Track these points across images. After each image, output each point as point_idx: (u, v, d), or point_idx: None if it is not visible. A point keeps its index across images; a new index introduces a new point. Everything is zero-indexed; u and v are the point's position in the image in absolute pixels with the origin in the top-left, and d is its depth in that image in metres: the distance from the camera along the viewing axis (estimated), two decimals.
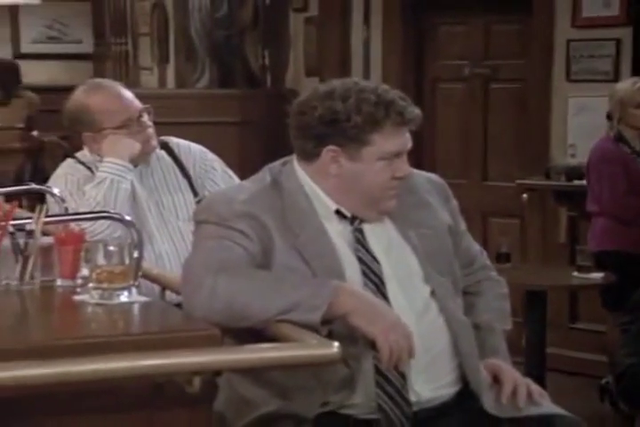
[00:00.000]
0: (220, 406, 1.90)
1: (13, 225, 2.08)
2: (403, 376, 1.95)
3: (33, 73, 7.42)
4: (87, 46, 8.11)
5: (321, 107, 2.02)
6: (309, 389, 1.93)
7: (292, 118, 2.10)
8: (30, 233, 2.08)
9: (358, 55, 5.81)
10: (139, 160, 2.87)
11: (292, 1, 6.38)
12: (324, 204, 2.07)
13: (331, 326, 1.89)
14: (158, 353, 1.60)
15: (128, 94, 2.94)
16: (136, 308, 1.92)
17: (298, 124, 2.07)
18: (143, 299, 1.98)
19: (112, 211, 2.54)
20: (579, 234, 4.73)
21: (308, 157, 2.07)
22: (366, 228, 2.08)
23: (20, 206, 2.35)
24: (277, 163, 2.14)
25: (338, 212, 2.08)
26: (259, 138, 6.29)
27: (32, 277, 2.06)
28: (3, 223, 2.04)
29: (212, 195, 2.56)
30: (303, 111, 2.06)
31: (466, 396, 2.03)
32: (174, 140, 3.01)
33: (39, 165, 6.77)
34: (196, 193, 2.92)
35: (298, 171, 2.09)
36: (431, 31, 5.54)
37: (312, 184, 2.08)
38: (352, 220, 2.08)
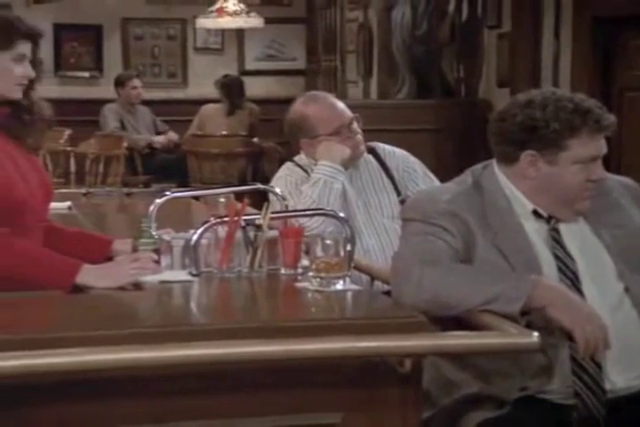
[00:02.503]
0: (425, 384, 1.89)
1: (244, 220, 2.14)
2: (598, 366, 1.88)
3: (254, 87, 7.64)
4: (300, 63, 8.26)
5: (521, 114, 1.99)
6: (508, 374, 1.89)
7: (493, 125, 2.07)
8: (259, 227, 2.13)
9: (548, 67, 5.66)
10: (349, 163, 2.90)
11: (486, 19, 6.30)
12: (522, 204, 2.03)
13: (529, 317, 1.85)
14: (373, 336, 1.61)
15: (340, 104, 2.98)
16: (350, 295, 1.93)
17: (499, 130, 2.04)
18: (356, 287, 1.99)
19: (326, 208, 2.58)
20: None
21: (508, 160, 2.04)
22: (562, 227, 2.03)
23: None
24: (479, 166, 2.11)
25: (535, 212, 2.03)
26: (452, 144, 6.24)
27: (260, 266, 2.11)
28: (236, 218, 2.11)
29: (417, 195, 2.55)
30: (504, 118, 2.03)
31: None
32: (380, 146, 3.03)
33: (259, 167, 6.96)
34: (399, 193, 2.93)
35: (498, 173, 2.06)
36: (619, 44, 5.33)
37: (511, 186, 2.04)
38: (548, 219, 2.03)
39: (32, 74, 2.19)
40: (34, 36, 2.20)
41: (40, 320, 1.84)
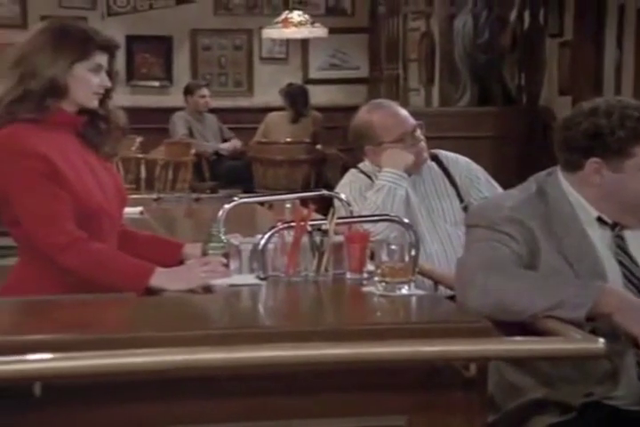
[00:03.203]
0: (489, 388, 1.87)
1: (311, 225, 2.14)
2: None
3: (317, 95, 7.66)
4: (363, 72, 8.26)
5: (585, 122, 1.96)
6: (573, 379, 1.87)
7: (557, 133, 2.04)
8: (325, 232, 2.13)
9: (610, 76, 5.58)
10: (412, 170, 2.89)
11: (548, 27, 6.24)
12: (587, 211, 2.00)
13: (594, 323, 1.82)
14: (439, 341, 1.60)
15: (403, 112, 2.97)
16: (415, 300, 1.92)
17: (563, 138, 2.02)
18: (420, 292, 1.98)
19: (391, 214, 2.57)
20: None
21: (572, 168, 2.01)
22: (627, 234, 1.99)
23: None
24: (542, 173, 2.09)
25: (599, 219, 2.00)
26: (513, 151, 6.18)
27: (326, 270, 2.10)
28: (303, 223, 2.11)
29: (482, 202, 2.54)
30: (568, 126, 2.00)
31: None
32: (443, 153, 3.01)
33: (322, 173, 6.97)
34: (461, 200, 2.91)
35: (562, 181, 2.03)
36: None
37: (575, 193, 2.01)
38: (613, 226, 1.99)
39: (108, 84, 2.22)
40: (110, 48, 2.24)
41: (115, 321, 1.88)
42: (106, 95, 2.24)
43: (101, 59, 2.21)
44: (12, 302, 2.04)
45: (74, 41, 2.18)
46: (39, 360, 1.50)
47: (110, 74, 2.24)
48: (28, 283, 2.13)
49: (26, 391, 1.50)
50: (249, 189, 6.58)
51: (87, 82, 2.18)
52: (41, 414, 1.54)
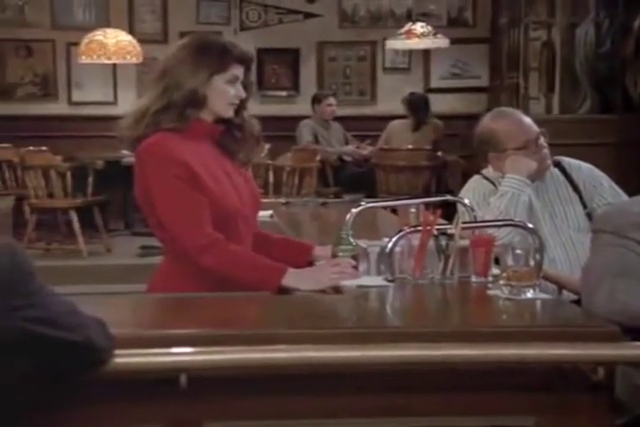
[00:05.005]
0: (616, 392, 1.81)
1: (437, 229, 2.13)
2: None
3: (438, 104, 7.61)
4: (483, 81, 8.16)
5: None
6: None
7: None
8: (450, 236, 2.11)
9: None
10: (535, 177, 2.84)
11: None
12: None
13: None
14: (567, 344, 1.57)
15: (527, 120, 2.92)
16: (540, 303, 1.88)
17: None
18: (545, 296, 1.94)
19: (515, 219, 2.52)
20: None
21: None
22: None
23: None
24: None
25: None
26: (635, 157, 5.99)
27: (452, 273, 2.09)
28: (429, 228, 2.10)
29: (608, 207, 2.46)
30: None
31: None
32: (566, 160, 2.95)
33: (442, 179, 6.92)
34: (585, 206, 2.84)
35: None
36: None
37: None
38: None
39: (243, 94, 2.26)
40: (246, 61, 2.28)
41: (251, 318, 1.91)
42: (241, 105, 2.28)
43: (238, 71, 2.25)
44: (158, 299, 2.11)
45: (213, 54, 2.23)
46: (182, 353, 1.55)
47: (245, 85, 2.28)
48: (172, 281, 2.19)
49: (173, 382, 1.54)
50: (371, 195, 6.59)
51: (224, 93, 2.23)
52: (187, 404, 1.58)
